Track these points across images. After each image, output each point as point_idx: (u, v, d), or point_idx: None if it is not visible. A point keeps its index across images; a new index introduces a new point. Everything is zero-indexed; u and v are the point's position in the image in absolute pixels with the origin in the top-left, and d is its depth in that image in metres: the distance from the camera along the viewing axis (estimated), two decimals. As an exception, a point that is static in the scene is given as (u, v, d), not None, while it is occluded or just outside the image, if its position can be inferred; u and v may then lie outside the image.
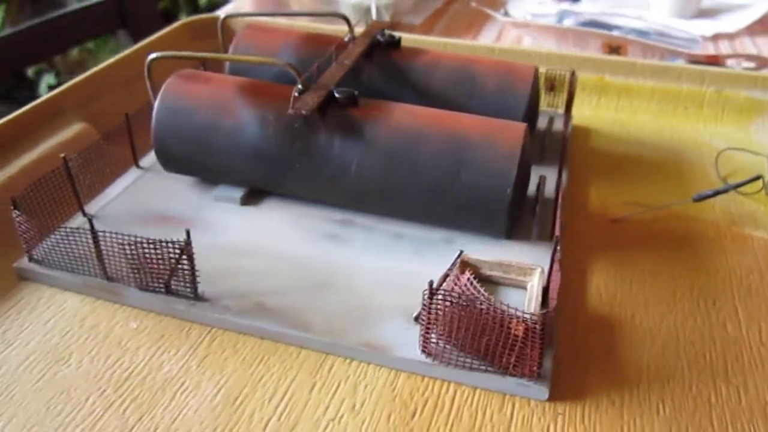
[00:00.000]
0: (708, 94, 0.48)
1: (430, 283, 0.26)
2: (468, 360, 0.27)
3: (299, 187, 0.36)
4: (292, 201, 0.38)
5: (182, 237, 0.29)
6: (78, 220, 0.36)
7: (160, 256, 0.30)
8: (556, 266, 0.28)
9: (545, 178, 0.37)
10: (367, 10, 0.64)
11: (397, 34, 0.43)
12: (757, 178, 0.38)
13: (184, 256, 0.30)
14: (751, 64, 0.54)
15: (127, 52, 0.49)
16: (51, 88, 1.30)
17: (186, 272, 0.30)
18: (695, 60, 0.54)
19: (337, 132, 0.34)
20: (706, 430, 0.26)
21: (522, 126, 0.34)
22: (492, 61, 0.41)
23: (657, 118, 0.48)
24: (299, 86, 0.35)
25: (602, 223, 0.38)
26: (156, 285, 0.31)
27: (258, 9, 0.70)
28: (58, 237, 0.32)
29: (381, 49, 0.42)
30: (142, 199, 0.38)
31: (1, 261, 0.33)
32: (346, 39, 0.43)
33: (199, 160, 0.37)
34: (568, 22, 0.64)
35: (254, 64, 0.37)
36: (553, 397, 0.27)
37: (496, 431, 0.26)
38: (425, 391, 0.27)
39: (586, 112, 0.49)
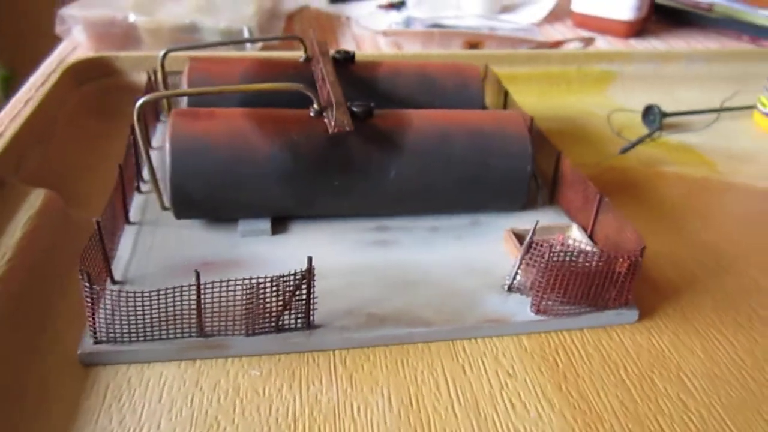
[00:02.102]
0: (572, 71, 0.59)
1: (549, 247, 0.30)
2: (572, 308, 0.32)
3: (336, 203, 0.37)
4: (317, 221, 0.38)
5: (234, 277, 0.28)
6: (115, 289, 0.32)
7: (277, 292, 0.29)
8: (620, 218, 0.34)
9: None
10: (238, 34, 0.63)
11: (350, 49, 0.45)
12: (658, 128, 0.49)
13: (304, 286, 0.29)
14: (580, 44, 0.67)
15: (26, 111, 0.43)
16: None
17: (301, 301, 0.30)
18: (542, 45, 0.66)
19: (370, 143, 0.36)
20: (737, 305, 0.34)
21: (517, 112, 0.40)
22: (441, 64, 0.46)
23: (540, 99, 0.58)
24: (315, 107, 0.36)
25: (565, 184, 0.45)
26: (267, 326, 0.30)
27: (99, 50, 0.65)
28: (128, 306, 0.28)
29: (339, 65, 0.44)
30: (161, 253, 0.35)
31: (45, 356, 0.29)
32: (301, 60, 0.44)
33: (224, 197, 0.35)
34: (415, 26, 0.71)
35: (265, 91, 0.36)
36: (640, 318, 0.33)
37: (618, 354, 0.31)
38: (550, 344, 0.31)
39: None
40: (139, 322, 0.29)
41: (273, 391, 0.28)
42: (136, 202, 0.39)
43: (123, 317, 0.28)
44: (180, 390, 0.28)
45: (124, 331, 0.29)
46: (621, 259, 0.31)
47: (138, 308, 0.28)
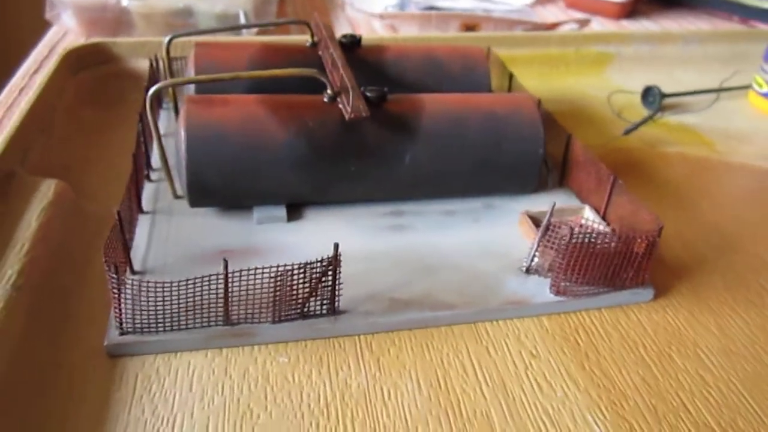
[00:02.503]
0: (570, 53, 0.59)
1: (570, 230, 0.31)
2: (590, 288, 0.33)
3: (352, 188, 0.37)
4: (332, 207, 0.38)
5: (256, 265, 0.28)
6: (135, 279, 0.31)
7: (304, 279, 0.29)
8: (634, 199, 0.34)
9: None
10: (234, 18, 0.62)
11: (356, 33, 0.44)
12: (660, 109, 0.50)
13: (330, 272, 0.29)
14: (575, 26, 0.68)
15: (26, 102, 0.42)
16: None
17: (327, 288, 0.30)
18: (538, 27, 0.66)
19: (385, 128, 0.36)
20: (748, 283, 0.35)
21: (527, 95, 0.40)
22: (446, 47, 0.46)
23: (540, 82, 0.58)
24: (329, 92, 0.36)
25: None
26: (292, 312, 0.30)
27: (90, 35, 0.63)
28: (155, 296, 0.28)
29: (346, 49, 0.44)
30: (178, 242, 0.34)
31: (73, 348, 0.28)
32: (308, 44, 0.44)
33: (240, 185, 0.35)
34: (411, 9, 0.70)
35: (278, 77, 0.35)
36: (655, 297, 0.34)
37: (636, 332, 0.32)
38: (570, 324, 0.32)
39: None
40: (166, 312, 0.28)
41: (303, 377, 0.28)
42: (147, 190, 0.38)
43: (149, 308, 0.28)
44: (210, 378, 0.28)
45: (151, 321, 0.29)
46: (639, 240, 0.31)
47: (164, 298, 0.28)
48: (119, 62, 0.52)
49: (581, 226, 0.32)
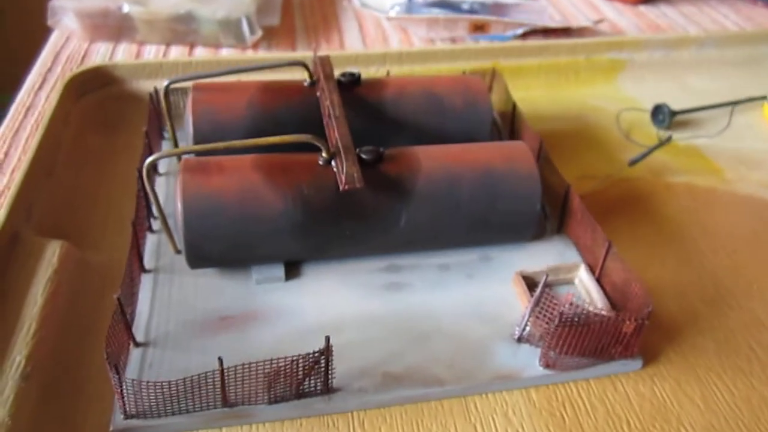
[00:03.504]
0: (581, 61, 0.57)
1: (561, 314, 0.31)
2: (579, 361, 0.33)
3: (348, 249, 0.37)
4: (329, 262, 0.39)
5: (262, 334, 0.29)
6: (137, 354, 0.33)
7: (297, 367, 0.30)
8: (629, 270, 0.34)
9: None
10: (236, 23, 0.61)
11: (356, 70, 0.44)
12: (669, 138, 0.49)
13: (322, 360, 0.30)
14: (589, 23, 0.65)
15: (33, 142, 0.42)
16: None
17: (321, 370, 0.31)
18: (548, 29, 0.64)
19: (380, 191, 0.36)
20: (738, 345, 0.36)
21: (524, 146, 0.39)
22: (447, 79, 0.45)
23: (548, 91, 0.57)
24: (324, 155, 0.36)
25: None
26: (287, 393, 0.31)
27: (94, 40, 0.63)
28: (151, 391, 0.29)
29: (345, 88, 0.43)
30: (179, 307, 0.36)
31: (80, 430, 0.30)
32: (306, 84, 0.43)
33: (237, 252, 0.36)
34: (418, 2, 0.68)
35: (275, 143, 0.36)
36: (644, 363, 0.34)
37: (621, 406, 0.32)
38: (557, 397, 0.33)
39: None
40: (167, 399, 0.30)
41: (296, 460, 0.30)
42: (150, 243, 0.39)
43: (150, 397, 0.29)
44: (210, 462, 0.30)
45: (152, 406, 0.30)
46: (628, 322, 0.32)
47: (164, 392, 0.29)
48: (121, 84, 0.52)
49: (571, 304, 0.32)
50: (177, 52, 0.62)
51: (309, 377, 0.31)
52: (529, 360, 0.34)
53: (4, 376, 0.30)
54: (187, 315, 0.35)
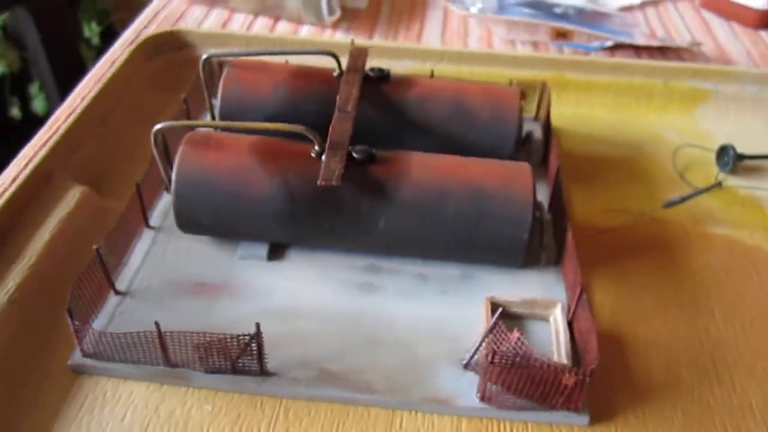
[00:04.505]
0: (657, 85, 0.53)
1: (493, 352, 0.30)
2: (518, 401, 0.32)
3: (327, 242, 0.38)
4: (315, 251, 0.40)
5: (226, 307, 0.31)
6: (113, 301, 0.36)
7: (229, 346, 0.32)
8: (589, 320, 0.32)
9: (543, 206, 0.41)
10: (318, 2, 0.63)
11: (386, 67, 0.44)
12: (718, 184, 0.44)
13: (254, 344, 0.32)
14: (685, 43, 0.60)
15: (91, 93, 0.47)
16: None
17: (254, 352, 0.32)
18: (637, 45, 0.59)
19: (363, 192, 0.36)
20: (710, 426, 0.32)
21: (527, 169, 0.38)
22: (479, 88, 0.44)
23: (614, 112, 0.53)
24: (316, 148, 0.37)
25: (589, 235, 0.43)
26: (223, 367, 0.33)
27: (192, 4, 0.67)
28: (94, 332, 0.32)
29: (371, 83, 0.43)
30: (167, 266, 0.38)
31: (52, 359, 0.34)
32: (335, 74, 0.44)
33: (222, 227, 0.38)
34: (510, 1, 0.66)
35: (269, 130, 0.38)
36: (595, 420, 0.32)
37: (553, 460, 0.31)
38: (487, 432, 0.32)
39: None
40: (118, 346, 0.33)
41: (215, 431, 0.32)
42: (163, 203, 0.42)
43: (100, 341, 0.33)
44: (141, 412, 0.32)
45: (106, 351, 0.33)
46: (568, 374, 0.30)
47: (120, 342, 0.32)
48: (191, 50, 0.56)
49: (518, 340, 0.31)
50: (261, 24, 0.65)
51: (242, 357, 0.32)
52: (469, 389, 0.33)
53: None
54: (170, 274, 0.38)
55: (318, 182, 0.35)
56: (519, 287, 0.37)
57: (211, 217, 0.37)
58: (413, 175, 0.37)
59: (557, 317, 0.36)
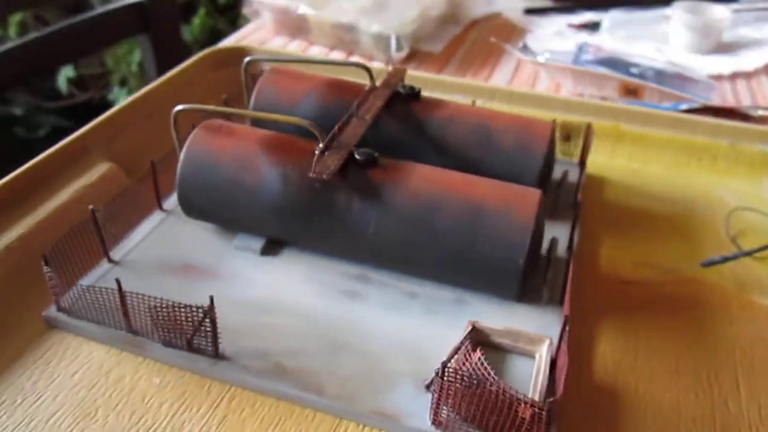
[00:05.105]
0: (722, 146, 0.48)
1: (443, 364, 0.27)
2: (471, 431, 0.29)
3: (317, 242, 0.37)
4: (311, 253, 0.39)
5: (204, 289, 0.30)
6: (103, 267, 0.37)
7: (184, 318, 0.31)
8: (564, 353, 0.29)
9: (557, 240, 0.38)
10: (388, 40, 0.64)
11: (417, 86, 0.43)
12: (766, 248, 0.39)
13: (207, 319, 0.31)
14: (764, 112, 0.55)
15: (148, 87, 0.50)
16: (70, 81, 1.32)
17: (208, 332, 0.31)
18: (711, 108, 0.55)
19: (356, 193, 0.35)
20: None
21: (536, 194, 0.35)
22: (510, 117, 0.42)
23: (670, 169, 0.49)
24: (320, 145, 0.37)
25: (613, 284, 0.39)
26: (179, 342, 0.32)
27: (277, 34, 0.71)
28: (77, 289, 0.33)
29: (401, 100, 0.43)
30: (165, 245, 0.39)
31: (31, 309, 0.35)
32: (366, 88, 0.44)
33: (221, 212, 0.38)
34: (586, 57, 0.64)
35: (279, 121, 0.38)
36: (556, 474, 0.28)
37: (500, 507, 0.27)
38: (434, 462, 0.29)
39: (600, 159, 0.50)
40: (90, 306, 0.33)
41: (156, 404, 0.31)
42: (182, 191, 0.43)
43: (82, 296, 0.33)
44: (92, 373, 0.32)
45: (81, 308, 0.34)
46: (524, 405, 0.26)
47: (93, 295, 0.33)
48: (255, 65, 0.58)
49: (478, 361, 0.28)
50: (334, 56, 0.68)
51: (197, 333, 0.31)
52: (423, 411, 0.30)
53: (-6, 239, 0.36)
54: (164, 252, 0.38)
55: (311, 173, 0.34)
56: (513, 321, 0.34)
57: (210, 201, 0.38)
58: (411, 183, 0.35)
59: (543, 355, 0.32)
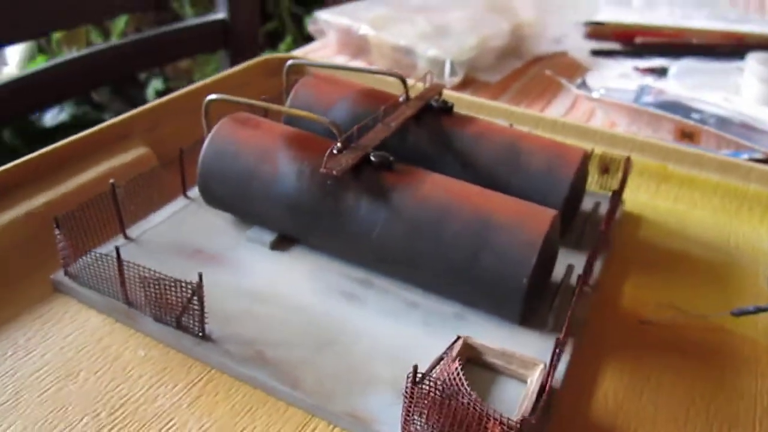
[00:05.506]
0: (777, 197, 0.45)
1: (415, 368, 0.26)
2: (447, 449, 0.27)
3: (324, 241, 0.37)
4: (320, 252, 0.38)
5: (207, 274, 0.31)
6: (119, 242, 0.38)
7: (174, 293, 0.31)
8: (549, 378, 0.27)
9: (573, 268, 0.36)
10: (443, 65, 0.64)
11: (450, 100, 0.43)
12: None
13: (195, 298, 0.31)
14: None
15: (197, 84, 0.52)
16: (158, 92, 1.40)
17: (196, 312, 0.31)
18: (773, 158, 0.51)
19: (365, 194, 0.35)
20: None
21: (551, 213, 0.34)
22: (542, 140, 0.41)
23: (717, 215, 0.46)
24: (338, 144, 0.36)
25: (630, 322, 0.36)
26: (168, 318, 0.32)
27: (339, 53, 0.73)
28: (92, 257, 0.34)
29: (432, 113, 0.43)
30: (181, 229, 0.40)
31: (43, 272, 0.36)
32: (400, 99, 0.44)
33: (237, 202, 0.38)
34: (646, 99, 0.62)
35: (300, 116, 0.39)
36: (526, 506, 0.26)
37: None
38: (398, 473, 0.27)
39: (642, 198, 0.48)
40: (94, 274, 0.34)
41: (135, 375, 0.31)
42: (211, 182, 0.44)
43: (89, 265, 0.34)
44: (84, 336, 0.33)
45: (86, 276, 0.34)
46: (493, 422, 0.25)
47: (97, 263, 0.33)
48: (303, 76, 0.59)
49: (455, 371, 0.26)
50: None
51: (187, 311, 0.32)
52: (397, 420, 0.28)
53: (18, 207, 0.38)
54: (178, 236, 0.39)
55: (321, 168, 0.34)
56: (511, 344, 0.32)
57: (228, 190, 0.38)
58: (422, 189, 0.35)
59: (534, 380, 0.30)
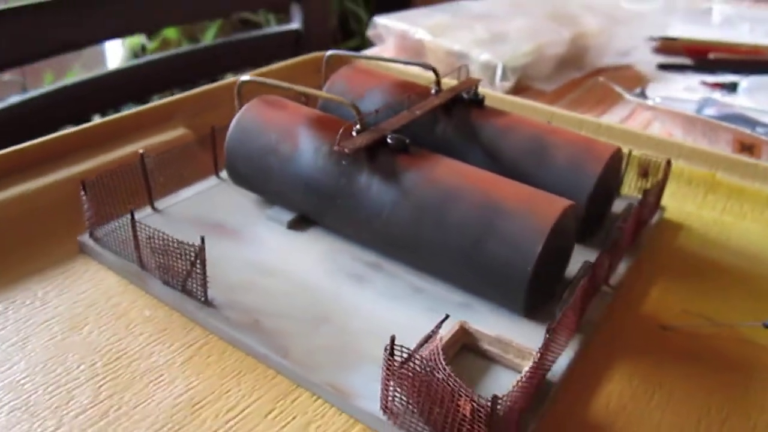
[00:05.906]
0: (838, 213, 0.41)
1: (392, 339, 0.25)
2: (420, 426, 0.26)
3: (337, 221, 0.37)
4: (335, 235, 0.38)
5: (221, 246, 0.31)
6: (145, 212, 0.39)
7: (179, 258, 0.32)
8: (535, 364, 0.26)
9: (588, 264, 0.35)
10: (495, 69, 0.64)
11: (482, 93, 0.42)
12: None
13: (198, 261, 0.32)
14: None
15: (244, 77, 0.54)
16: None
17: (198, 275, 0.32)
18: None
19: (378, 175, 0.35)
20: None
21: (564, 203, 0.32)
22: (572, 135, 0.39)
23: (764, 226, 0.42)
24: (357, 126, 0.37)
25: (650, 326, 0.34)
26: (175, 282, 0.33)
27: (397, 55, 0.74)
28: (116, 223, 0.35)
29: (463, 104, 0.42)
30: (206, 205, 0.41)
31: (72, 234, 0.38)
32: (432, 90, 0.44)
33: (259, 180, 0.39)
34: (709, 111, 0.58)
35: (336, 102, 0.39)
36: (500, 495, 0.25)
37: None
38: (374, 448, 0.26)
39: (688, 207, 0.45)
40: (114, 237, 0.36)
41: (137, 332, 0.32)
42: (243, 165, 0.45)
43: (114, 230, 0.36)
44: (96, 294, 0.34)
45: (109, 240, 0.36)
46: (464, 399, 0.24)
47: (118, 228, 0.35)
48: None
49: (435, 348, 0.25)
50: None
51: (190, 276, 0.32)
52: (378, 396, 0.28)
53: (60, 171, 0.40)
54: (202, 211, 0.40)
55: (334, 145, 0.35)
56: (516, 337, 0.31)
57: (251, 168, 0.39)
58: (434, 173, 0.34)
59: (528, 369, 0.28)
